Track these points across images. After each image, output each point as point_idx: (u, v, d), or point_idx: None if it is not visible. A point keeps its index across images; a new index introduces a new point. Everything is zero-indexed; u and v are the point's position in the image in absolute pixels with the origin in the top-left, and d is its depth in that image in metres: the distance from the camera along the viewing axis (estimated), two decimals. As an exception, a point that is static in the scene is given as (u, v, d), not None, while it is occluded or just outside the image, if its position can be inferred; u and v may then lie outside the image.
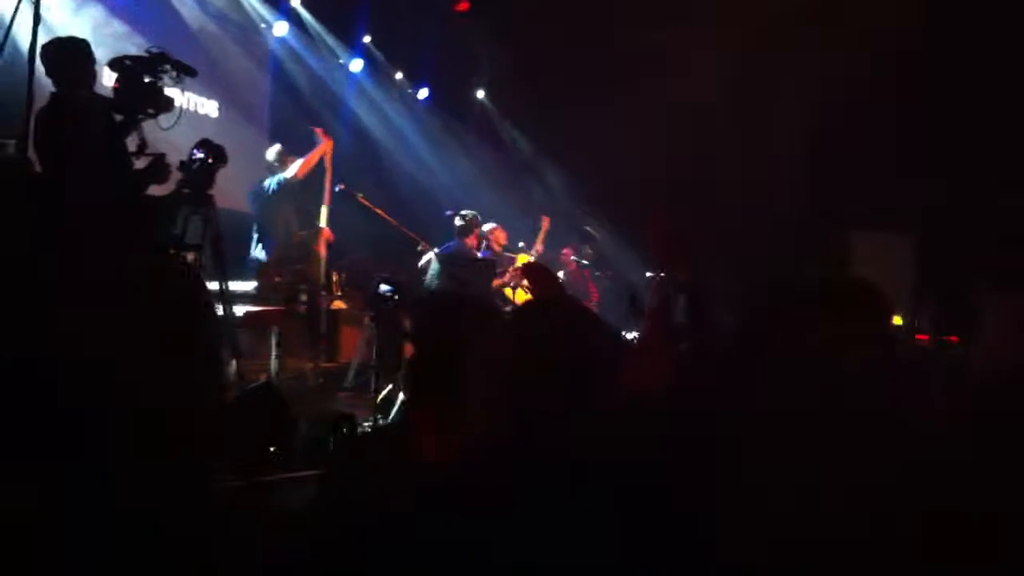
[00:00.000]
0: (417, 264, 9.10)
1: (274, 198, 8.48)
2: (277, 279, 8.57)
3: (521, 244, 10.54)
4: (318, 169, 8.53)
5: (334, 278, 9.34)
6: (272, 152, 8.77)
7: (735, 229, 10.86)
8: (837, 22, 10.21)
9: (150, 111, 5.48)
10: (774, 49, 10.48)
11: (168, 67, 5.56)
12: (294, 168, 8.43)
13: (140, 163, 5.50)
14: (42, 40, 5.16)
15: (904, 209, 11.12)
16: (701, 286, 2.97)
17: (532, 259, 10.14)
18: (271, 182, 8.46)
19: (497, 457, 2.05)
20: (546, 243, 10.81)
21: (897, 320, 9.86)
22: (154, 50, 5.60)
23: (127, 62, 5.53)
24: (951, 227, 10.64)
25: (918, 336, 9.01)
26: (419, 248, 9.15)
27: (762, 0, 10.02)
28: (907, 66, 10.43)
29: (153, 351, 4.22)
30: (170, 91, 5.64)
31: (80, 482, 2.87)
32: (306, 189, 8.54)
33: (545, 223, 10.91)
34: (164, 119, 5.58)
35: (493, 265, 9.20)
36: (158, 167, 5.52)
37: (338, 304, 9.29)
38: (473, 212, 9.45)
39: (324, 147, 8.58)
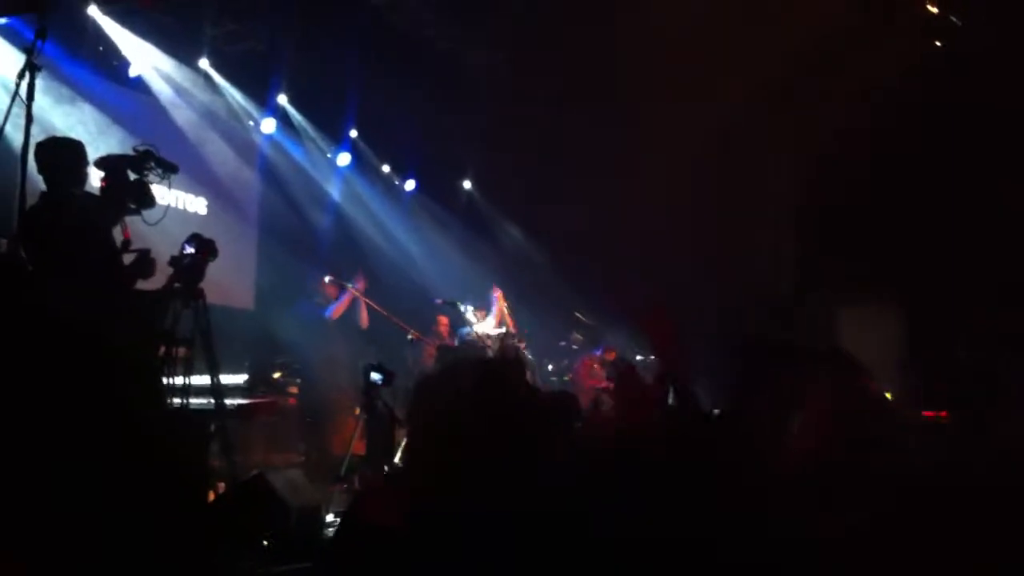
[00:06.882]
0: (407, 353, 9.27)
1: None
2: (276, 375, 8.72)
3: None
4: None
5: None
6: None
7: (725, 307, 10.92)
8: (820, 100, 10.37)
9: (134, 207, 5.54)
10: (764, 127, 10.60)
11: (153, 164, 5.64)
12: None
13: (126, 258, 5.53)
14: (34, 139, 5.20)
15: (891, 281, 11.19)
16: (685, 377, 3.01)
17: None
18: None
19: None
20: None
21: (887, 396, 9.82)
22: (140, 148, 5.69)
23: (113, 160, 5.61)
24: (937, 299, 10.70)
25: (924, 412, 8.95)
26: (409, 337, 9.23)
27: (747, 80, 10.15)
28: (891, 141, 10.59)
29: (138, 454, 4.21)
30: (158, 188, 5.71)
31: None
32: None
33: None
34: (150, 215, 5.63)
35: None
36: (144, 262, 5.55)
37: (329, 395, 9.26)
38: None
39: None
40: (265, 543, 5.00)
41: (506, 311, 10.45)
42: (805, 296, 11.78)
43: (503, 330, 10.27)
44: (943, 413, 8.72)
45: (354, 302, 9.21)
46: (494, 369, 2.51)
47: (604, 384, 10.65)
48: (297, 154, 11.64)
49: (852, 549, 2.07)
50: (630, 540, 2.04)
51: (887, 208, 10.96)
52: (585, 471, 2.36)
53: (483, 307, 10.47)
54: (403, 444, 6.64)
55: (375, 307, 9.32)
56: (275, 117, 11.07)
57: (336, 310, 9.06)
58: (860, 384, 2.68)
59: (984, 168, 9.99)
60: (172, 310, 5.76)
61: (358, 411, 7.77)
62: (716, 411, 2.93)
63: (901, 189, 10.85)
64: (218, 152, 10.50)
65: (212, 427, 5.83)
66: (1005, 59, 9.43)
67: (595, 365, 11.14)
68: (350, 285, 9.13)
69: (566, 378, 11.21)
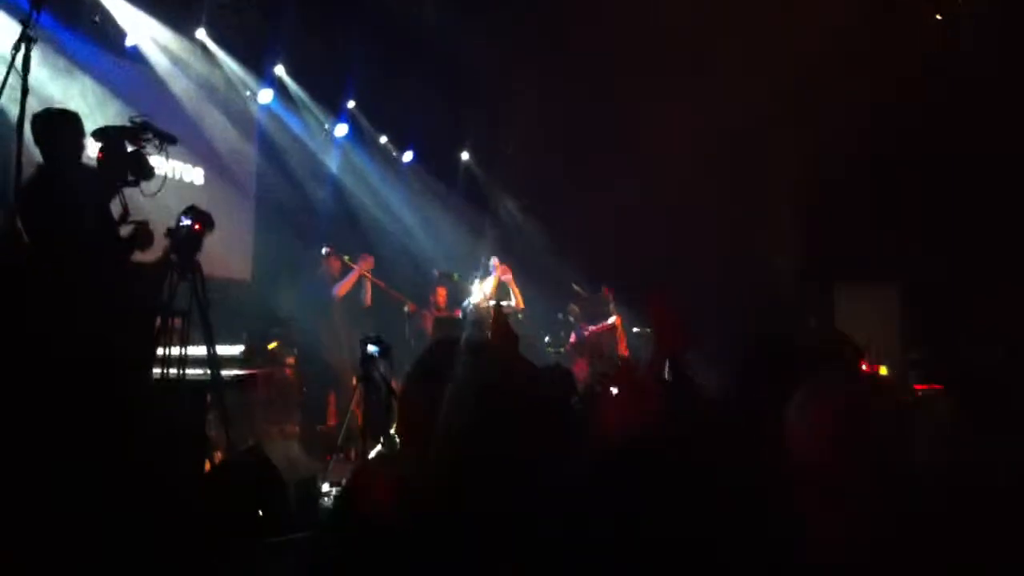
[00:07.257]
0: (404, 325, 9.33)
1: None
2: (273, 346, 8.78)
3: None
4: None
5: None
6: None
7: (725, 289, 10.95)
8: (823, 96, 10.35)
9: (132, 179, 5.54)
10: (764, 115, 10.58)
11: (150, 135, 5.63)
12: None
13: (124, 230, 5.54)
14: (31, 110, 5.19)
15: (887, 260, 11.21)
16: (684, 357, 3.01)
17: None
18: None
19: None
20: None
21: (882, 371, 9.89)
22: (137, 119, 5.68)
23: (110, 132, 5.60)
24: (933, 277, 10.73)
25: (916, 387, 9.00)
26: (405, 309, 9.28)
27: (753, 68, 10.12)
28: (891, 140, 10.60)
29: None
30: (155, 159, 5.71)
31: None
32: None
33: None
34: (147, 186, 5.63)
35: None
36: (142, 234, 5.55)
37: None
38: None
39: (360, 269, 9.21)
40: (260, 513, 5.05)
41: (513, 285, 10.46)
42: (805, 295, 11.82)
43: (509, 302, 10.27)
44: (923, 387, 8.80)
45: (359, 280, 9.24)
46: (488, 354, 2.50)
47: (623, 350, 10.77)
48: (294, 125, 11.60)
49: (851, 549, 2.08)
50: (628, 539, 2.04)
51: (887, 207, 10.99)
52: (584, 467, 2.37)
53: (484, 277, 10.49)
54: (397, 418, 6.71)
55: (379, 284, 9.37)
56: (272, 87, 11.03)
57: (342, 288, 9.07)
58: (862, 380, 2.68)
59: (984, 168, 10.00)
60: (169, 282, 5.77)
61: (355, 382, 7.81)
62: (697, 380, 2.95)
63: (901, 188, 10.87)
64: (215, 123, 10.44)
65: (209, 397, 5.87)
66: (1006, 56, 9.42)
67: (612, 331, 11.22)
68: (348, 259, 9.16)
69: (562, 349, 11.25)
